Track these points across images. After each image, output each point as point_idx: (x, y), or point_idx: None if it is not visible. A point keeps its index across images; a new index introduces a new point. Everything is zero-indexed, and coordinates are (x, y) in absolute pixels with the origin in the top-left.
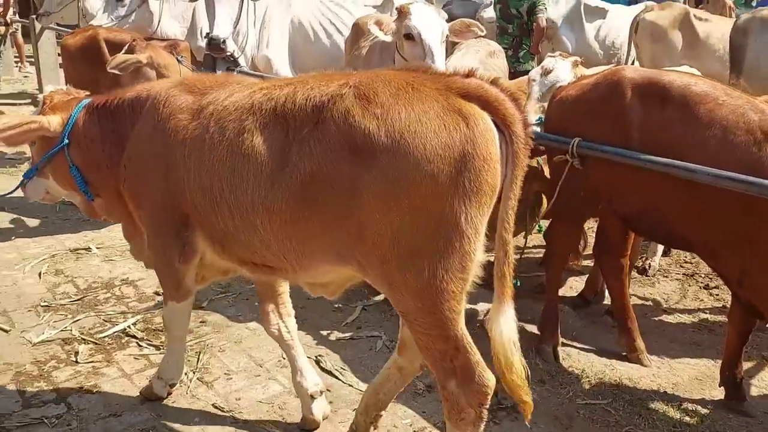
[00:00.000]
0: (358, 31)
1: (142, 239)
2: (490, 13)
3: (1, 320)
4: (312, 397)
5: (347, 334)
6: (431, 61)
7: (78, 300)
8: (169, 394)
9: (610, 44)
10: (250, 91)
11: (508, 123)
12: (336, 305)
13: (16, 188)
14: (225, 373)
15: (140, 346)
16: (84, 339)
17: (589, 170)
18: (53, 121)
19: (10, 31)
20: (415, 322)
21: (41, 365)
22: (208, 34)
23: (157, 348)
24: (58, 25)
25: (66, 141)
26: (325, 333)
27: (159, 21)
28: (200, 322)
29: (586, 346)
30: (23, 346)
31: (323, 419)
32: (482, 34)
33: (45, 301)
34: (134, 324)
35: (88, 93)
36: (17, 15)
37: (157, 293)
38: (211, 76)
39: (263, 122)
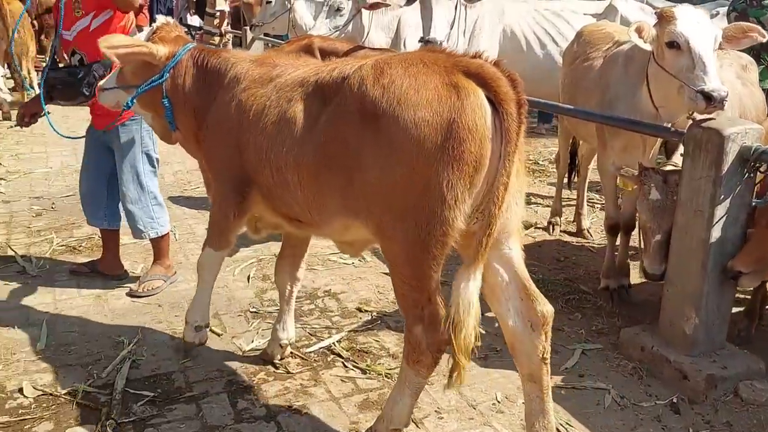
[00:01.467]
0: (585, 40)
1: None
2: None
3: (213, 323)
4: (281, 347)
5: (568, 383)
6: (702, 73)
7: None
8: (201, 343)
9: None
10: (307, 69)
11: (500, 100)
12: (553, 348)
13: (89, 96)
14: (435, 411)
15: (346, 366)
16: (291, 352)
17: None
18: (161, 51)
19: (223, 41)
20: (398, 270)
21: (251, 376)
22: (422, 38)
23: (364, 372)
24: (267, 35)
25: (166, 76)
26: None
27: (368, 31)
28: None
29: None
30: (234, 353)
31: (278, 359)
32: (763, 40)
33: (254, 307)
34: (339, 341)
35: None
36: (229, 26)
37: (359, 309)
38: (289, 56)
39: (307, 92)
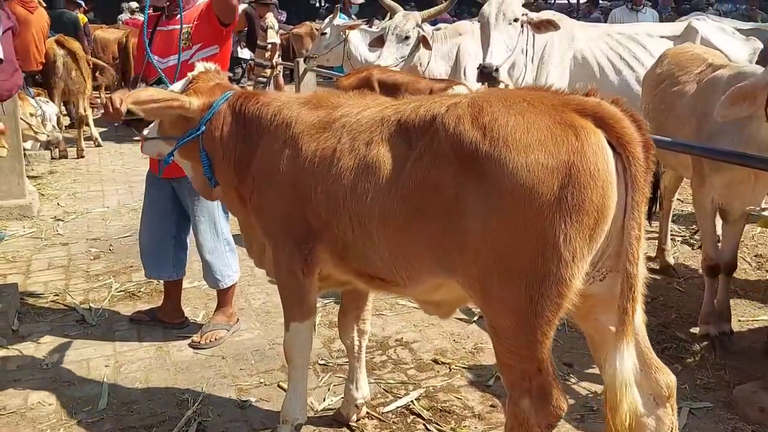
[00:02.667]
0: (671, 62)
1: (260, 242)
2: None
3: (280, 377)
4: (356, 407)
5: None
6: None
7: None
8: None
9: None
10: (382, 107)
11: (625, 143)
12: None
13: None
14: None
15: (428, 429)
16: (368, 412)
17: None
18: (194, 104)
19: (274, 73)
20: (503, 338)
21: None
22: (480, 64)
23: None
24: (321, 67)
25: (203, 128)
26: None
27: (429, 61)
28: None
29: None
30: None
31: (354, 421)
32: None
33: (322, 359)
34: (417, 399)
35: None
36: (280, 58)
37: (435, 361)
38: (341, 93)
39: (389, 134)
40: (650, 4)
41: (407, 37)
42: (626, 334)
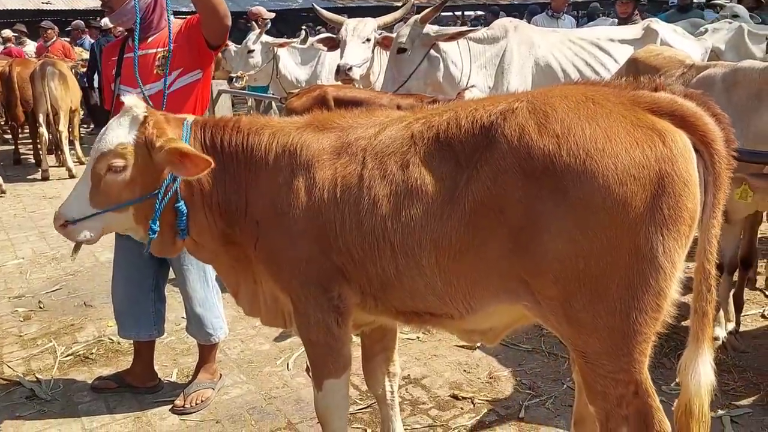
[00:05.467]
0: (645, 67)
1: (249, 288)
2: None
3: (281, 424)
4: None
5: None
6: None
7: (366, 408)
8: None
9: None
10: (405, 123)
11: (708, 141)
12: None
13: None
14: None
15: None
16: None
17: None
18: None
19: None
20: (598, 365)
21: None
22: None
23: None
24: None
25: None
26: None
27: (379, 70)
28: None
29: None
30: None
31: None
32: None
33: None
34: None
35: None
36: None
37: (454, 396)
38: (344, 113)
39: (428, 152)
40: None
41: (368, 39)
42: (705, 338)
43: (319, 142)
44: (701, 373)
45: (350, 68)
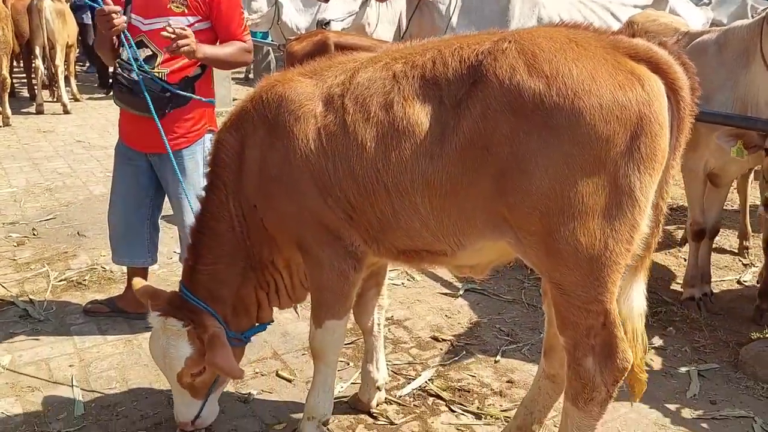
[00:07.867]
0: (635, 32)
1: None
2: None
3: (278, 365)
4: (377, 389)
5: (706, 413)
6: None
7: (350, 344)
8: None
9: None
10: (382, 63)
11: (677, 88)
12: (663, 371)
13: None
14: None
15: (452, 410)
16: (386, 397)
17: None
18: None
19: None
20: (573, 296)
21: (348, 431)
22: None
23: (478, 416)
24: None
25: None
26: (672, 408)
27: (378, 20)
28: None
29: None
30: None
31: (375, 405)
32: None
33: None
34: (431, 380)
35: None
36: None
37: (435, 338)
38: (313, 62)
39: (413, 91)
40: None
41: None
42: (642, 268)
43: (296, 96)
44: (634, 298)
45: (328, 23)
